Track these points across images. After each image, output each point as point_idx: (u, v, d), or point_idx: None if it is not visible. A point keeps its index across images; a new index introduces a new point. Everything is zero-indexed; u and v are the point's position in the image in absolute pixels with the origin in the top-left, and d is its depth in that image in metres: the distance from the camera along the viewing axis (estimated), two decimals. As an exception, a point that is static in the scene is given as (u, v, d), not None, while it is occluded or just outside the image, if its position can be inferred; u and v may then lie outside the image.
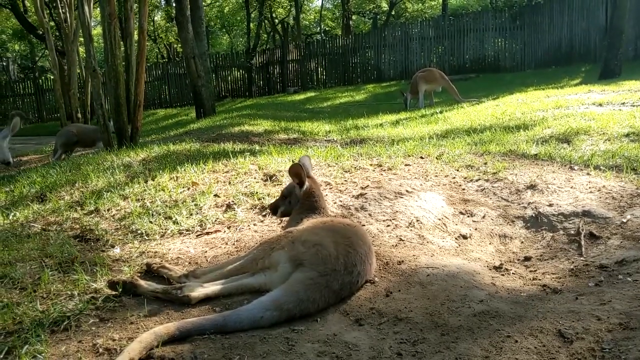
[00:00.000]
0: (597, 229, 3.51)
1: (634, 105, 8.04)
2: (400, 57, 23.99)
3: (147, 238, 3.68)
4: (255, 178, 4.68)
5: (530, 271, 3.23)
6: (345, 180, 4.52)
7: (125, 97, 7.85)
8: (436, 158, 5.11)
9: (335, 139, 8.26)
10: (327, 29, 39.83)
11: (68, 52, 11.85)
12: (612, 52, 14.57)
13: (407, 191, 4.22)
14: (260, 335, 2.34)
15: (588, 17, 19.95)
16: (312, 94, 22.46)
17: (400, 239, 3.54)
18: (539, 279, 3.07)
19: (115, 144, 7.87)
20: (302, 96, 21.86)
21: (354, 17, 36.67)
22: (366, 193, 4.17)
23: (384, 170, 4.77)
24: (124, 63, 7.93)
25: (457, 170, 4.72)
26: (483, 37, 22.27)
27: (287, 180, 4.54)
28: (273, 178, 4.65)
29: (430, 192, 4.22)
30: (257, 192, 4.31)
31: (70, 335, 2.35)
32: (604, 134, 6.06)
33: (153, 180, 4.78)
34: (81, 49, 14.56)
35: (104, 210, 4.19)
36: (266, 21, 33.54)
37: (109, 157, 6.19)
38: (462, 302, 2.66)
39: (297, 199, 3.40)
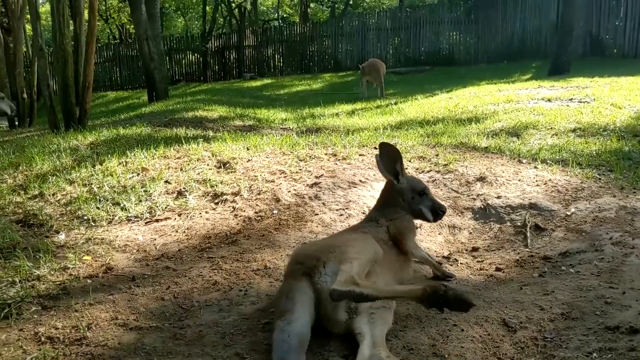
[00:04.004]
0: (543, 222, 3.62)
1: (581, 102, 8.29)
2: (357, 47, 24.00)
3: (93, 224, 3.59)
4: (208, 165, 4.61)
5: (478, 261, 3.31)
6: (300, 169, 4.51)
7: (74, 78, 7.63)
8: (390, 148, 5.14)
9: (291, 127, 8.22)
10: (284, 15, 39.51)
11: (14, 30, 11.39)
12: (561, 49, 14.93)
13: (360, 181, 4.24)
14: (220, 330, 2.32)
15: (540, 13, 20.39)
16: (269, 80, 22.28)
17: (353, 229, 3.56)
18: (486, 269, 3.15)
19: (62, 127, 7.63)
20: (258, 83, 21.67)
21: (312, 5, 36.46)
22: (320, 182, 4.17)
23: (339, 159, 4.78)
24: (72, 43, 7.69)
25: (410, 161, 4.77)
26: (438, 30, 22.50)
27: (241, 168, 4.50)
28: (227, 165, 4.60)
29: (383, 182, 4.25)
30: (210, 179, 4.25)
31: (10, 324, 2.29)
32: (551, 128, 6.23)
33: (101, 165, 4.65)
34: (28, 27, 14.01)
35: (49, 195, 4.06)
36: (223, 5, 32.97)
37: (55, 140, 6.00)
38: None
39: None
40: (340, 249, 2.30)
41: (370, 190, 4.09)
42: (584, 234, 3.32)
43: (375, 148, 5.16)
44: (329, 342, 2.17)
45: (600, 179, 4.20)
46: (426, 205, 2.94)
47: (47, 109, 7.88)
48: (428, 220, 3.02)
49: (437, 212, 2.97)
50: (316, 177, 4.29)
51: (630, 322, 2.23)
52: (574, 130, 6.08)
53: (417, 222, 3.78)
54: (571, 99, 8.67)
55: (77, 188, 4.14)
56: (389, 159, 2.89)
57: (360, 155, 4.90)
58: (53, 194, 4.07)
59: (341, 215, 3.75)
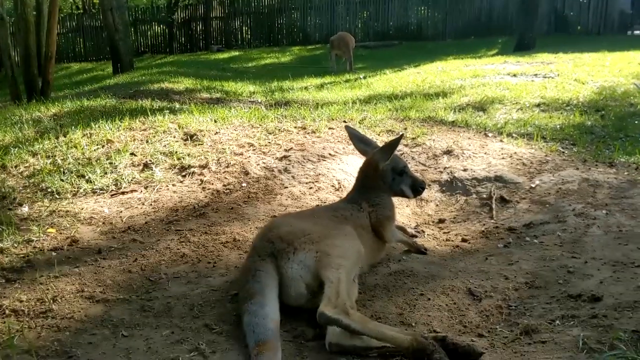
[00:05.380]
0: (508, 194, 3.69)
1: (545, 77, 8.43)
2: (326, 21, 23.75)
3: (58, 197, 3.51)
4: (174, 137, 4.54)
5: (444, 232, 3.36)
6: (269, 142, 4.48)
7: (36, 49, 7.41)
8: (359, 122, 5.15)
9: (259, 101, 8.15)
10: (253, -13, 38.82)
11: (-29, -3, 10.94)
12: (527, 25, 15.11)
13: (330, 154, 4.24)
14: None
15: (507, -11, 20.49)
16: (237, 53, 21.93)
17: (322, 202, 3.57)
18: (452, 240, 3.20)
19: (25, 98, 7.42)
20: (226, 55, 21.31)
21: (280, -23, 35.88)
22: (290, 155, 4.16)
23: (308, 133, 4.76)
24: (34, 12, 7.46)
25: (379, 135, 4.78)
26: (407, 5, 22.41)
27: (208, 141, 4.44)
28: (194, 137, 4.53)
29: (352, 155, 4.27)
30: (176, 152, 4.19)
31: (-27, 297, 2.24)
32: (517, 103, 6.33)
33: (65, 137, 4.54)
34: (-14, -6, 13.47)
35: (11, 167, 3.95)
36: (189, -25, 32.21)
37: (17, 112, 5.84)
38: (380, 261, 2.74)
39: None
40: (320, 245, 2.23)
41: (340, 164, 4.10)
42: (547, 205, 3.40)
43: (345, 121, 5.15)
44: (299, 313, 2.19)
45: (563, 152, 4.30)
46: (406, 183, 2.93)
47: (8, 80, 7.67)
48: (408, 197, 3.04)
49: (417, 190, 2.98)
50: (285, 151, 4.27)
51: (592, 290, 2.30)
52: (538, 105, 6.19)
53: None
54: (536, 75, 8.80)
55: (40, 160, 4.04)
56: (391, 147, 2.83)
57: (329, 128, 4.89)
58: (15, 166, 3.96)
59: (310, 188, 3.76)
